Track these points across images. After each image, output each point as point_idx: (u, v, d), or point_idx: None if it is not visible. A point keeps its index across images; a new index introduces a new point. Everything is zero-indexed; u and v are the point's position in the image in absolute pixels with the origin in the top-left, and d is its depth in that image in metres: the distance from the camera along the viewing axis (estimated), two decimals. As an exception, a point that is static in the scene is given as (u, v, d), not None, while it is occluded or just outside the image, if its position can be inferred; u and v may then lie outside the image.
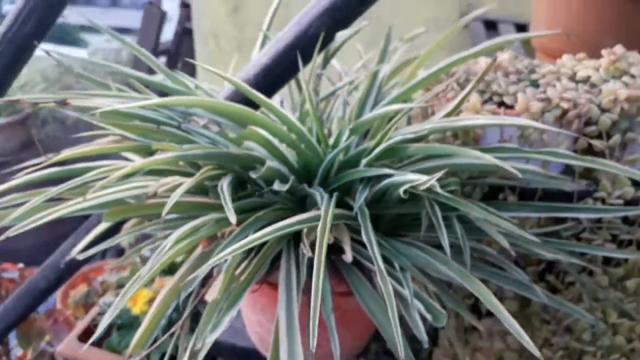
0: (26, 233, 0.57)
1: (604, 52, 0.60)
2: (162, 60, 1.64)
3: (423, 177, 0.46)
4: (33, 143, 1.86)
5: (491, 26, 1.21)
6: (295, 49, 0.60)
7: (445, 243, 0.51)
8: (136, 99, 0.60)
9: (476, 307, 0.66)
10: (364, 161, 0.58)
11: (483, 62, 0.63)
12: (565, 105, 0.53)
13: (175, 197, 0.50)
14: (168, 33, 1.63)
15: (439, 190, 0.45)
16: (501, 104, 0.58)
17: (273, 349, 0.52)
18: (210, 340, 0.50)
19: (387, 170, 0.55)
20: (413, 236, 0.61)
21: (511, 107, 0.56)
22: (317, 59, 0.61)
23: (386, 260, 0.55)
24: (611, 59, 0.58)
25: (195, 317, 0.68)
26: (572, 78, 0.60)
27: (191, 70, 1.80)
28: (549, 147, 0.55)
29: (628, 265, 0.58)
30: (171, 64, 1.68)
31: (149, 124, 0.57)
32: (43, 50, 0.66)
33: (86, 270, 1.28)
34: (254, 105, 0.59)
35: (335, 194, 0.56)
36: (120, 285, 1.02)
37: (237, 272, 0.55)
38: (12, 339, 1.04)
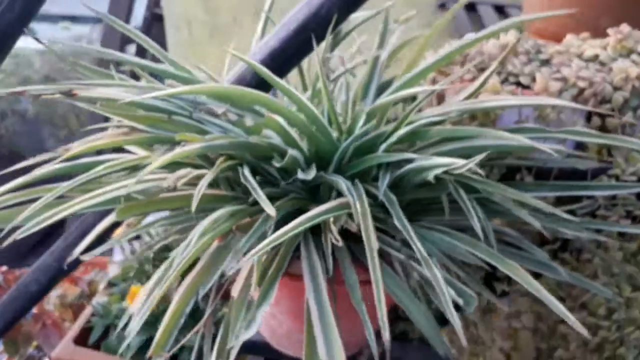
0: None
1: (610, 30, 0.61)
2: (131, 47, 1.58)
3: (458, 161, 0.46)
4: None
5: (471, 8, 1.22)
6: (305, 31, 0.58)
7: (477, 226, 0.50)
8: (144, 88, 0.57)
9: (490, 288, 0.67)
10: (382, 146, 0.57)
11: (491, 43, 0.63)
12: (581, 84, 0.54)
13: (200, 189, 0.48)
14: (136, 19, 1.57)
15: (480, 172, 0.44)
16: (517, 84, 0.58)
17: (308, 341, 0.51)
18: (244, 337, 0.49)
19: (409, 155, 0.54)
20: (429, 220, 0.61)
21: (527, 87, 0.57)
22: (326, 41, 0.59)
23: (409, 246, 0.55)
24: (618, 38, 0.59)
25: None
26: (580, 57, 0.60)
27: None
28: (566, 126, 0.56)
29: (641, 239, 0.60)
30: (141, 52, 1.63)
31: (159, 114, 0.55)
32: (32, 36, 0.62)
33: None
34: (266, 89, 0.58)
35: (355, 181, 0.55)
36: (112, 285, 0.99)
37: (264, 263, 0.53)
38: (-2, 344, 0.99)
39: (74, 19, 2.31)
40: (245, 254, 0.57)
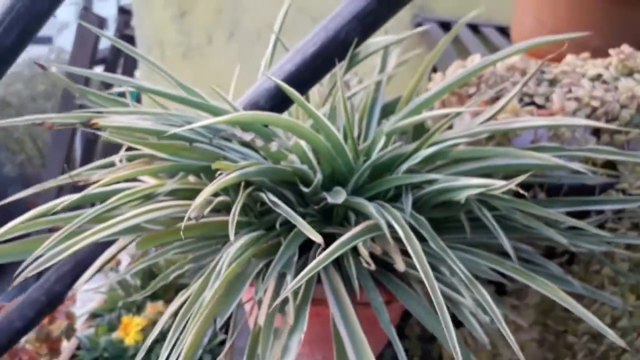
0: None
1: (611, 51, 0.64)
2: (99, 69, 1.54)
3: (496, 182, 0.47)
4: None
5: (446, 27, 1.25)
6: (323, 55, 0.58)
7: (506, 244, 0.51)
8: (157, 114, 0.56)
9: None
10: (403, 166, 0.57)
11: (499, 65, 0.65)
12: (595, 103, 0.56)
13: (235, 217, 0.47)
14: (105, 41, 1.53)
15: (523, 192, 0.45)
16: (531, 103, 0.59)
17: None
18: (282, 366, 0.48)
19: (433, 176, 0.55)
20: (446, 239, 0.62)
21: (542, 106, 0.58)
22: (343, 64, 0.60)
23: (433, 266, 0.55)
24: (620, 58, 0.62)
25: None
26: (584, 77, 0.63)
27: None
28: (580, 143, 0.58)
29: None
30: (110, 73, 1.58)
31: (180, 142, 0.53)
32: (38, 65, 0.60)
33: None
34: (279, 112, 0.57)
35: (383, 203, 0.55)
36: (95, 315, 0.95)
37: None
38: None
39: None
40: (263, 279, 0.56)
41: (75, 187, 1.67)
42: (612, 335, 0.45)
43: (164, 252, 0.60)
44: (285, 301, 0.52)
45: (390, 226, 0.55)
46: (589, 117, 0.57)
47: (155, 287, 0.58)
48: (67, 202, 0.50)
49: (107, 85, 1.68)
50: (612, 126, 0.55)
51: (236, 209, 0.48)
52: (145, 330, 0.81)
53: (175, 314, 0.57)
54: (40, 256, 0.52)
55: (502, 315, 0.51)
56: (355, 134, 0.68)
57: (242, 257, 0.53)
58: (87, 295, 1.17)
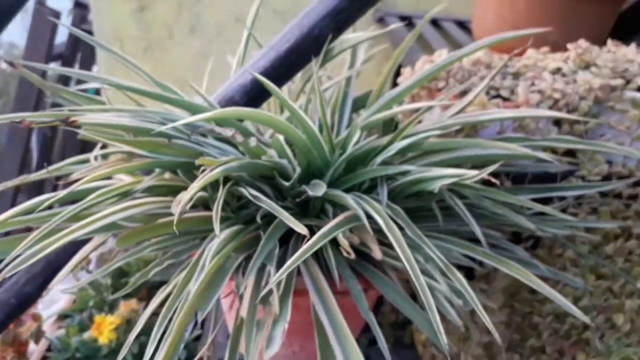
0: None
1: (570, 45, 0.67)
2: (56, 65, 1.49)
3: (468, 172, 0.49)
4: None
5: (407, 21, 1.27)
6: (297, 52, 0.59)
7: (477, 230, 0.54)
8: (133, 111, 0.55)
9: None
10: (378, 159, 0.59)
11: (465, 60, 0.67)
12: (556, 95, 0.59)
13: (218, 212, 0.48)
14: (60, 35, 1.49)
15: (495, 181, 0.47)
16: (497, 96, 0.62)
17: (322, 354, 0.52)
18: (267, 357, 0.49)
19: (407, 167, 0.57)
20: (420, 227, 0.64)
21: (507, 99, 0.61)
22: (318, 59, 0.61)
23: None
24: (578, 52, 0.65)
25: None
26: (545, 70, 0.66)
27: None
28: (543, 134, 0.61)
29: (604, 232, 0.66)
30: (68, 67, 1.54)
31: (159, 138, 0.54)
32: (7, 62, 0.59)
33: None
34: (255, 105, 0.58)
35: (361, 195, 0.57)
36: (64, 316, 0.93)
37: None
38: None
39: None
40: (245, 272, 0.57)
41: (33, 187, 1.63)
42: (577, 312, 0.48)
43: (141, 249, 0.60)
44: (267, 292, 0.53)
45: (368, 216, 0.57)
46: (551, 108, 0.60)
47: (136, 284, 0.58)
48: (52, 200, 0.49)
49: (64, 82, 1.64)
50: (573, 117, 0.59)
51: (219, 203, 0.49)
52: (119, 329, 0.80)
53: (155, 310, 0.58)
54: (18, 256, 0.51)
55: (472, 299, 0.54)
56: (336, 127, 0.70)
57: (224, 251, 0.54)
58: (49, 296, 1.15)
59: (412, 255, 0.46)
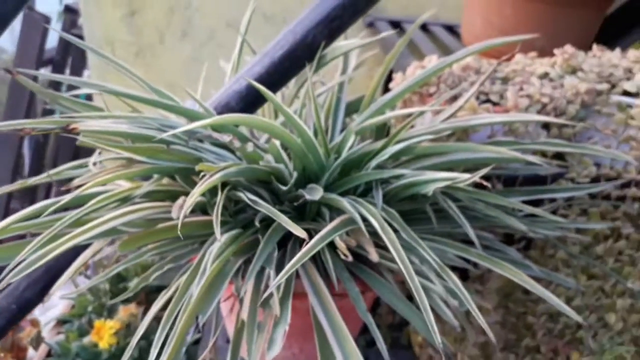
0: None
1: (556, 51, 0.69)
2: (47, 70, 1.49)
3: (461, 175, 0.50)
4: None
5: (396, 26, 1.29)
6: (291, 58, 0.61)
7: (471, 232, 0.55)
8: (131, 118, 0.56)
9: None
10: (372, 163, 0.60)
11: (455, 65, 0.68)
12: (545, 100, 0.61)
13: (218, 216, 0.49)
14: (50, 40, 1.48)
15: (486, 184, 0.49)
16: (487, 101, 0.64)
17: (322, 356, 0.53)
18: (268, 359, 0.50)
19: (401, 171, 0.58)
20: (414, 229, 0.65)
21: (497, 104, 0.63)
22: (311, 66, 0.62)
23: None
24: (565, 57, 0.67)
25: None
26: (532, 75, 0.68)
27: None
28: (532, 137, 0.62)
29: (594, 233, 0.68)
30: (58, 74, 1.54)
31: (157, 144, 0.54)
32: (7, 70, 0.59)
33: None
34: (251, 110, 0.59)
35: (356, 199, 0.58)
36: (63, 322, 0.93)
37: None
38: None
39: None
40: (244, 275, 0.58)
41: (26, 192, 1.62)
42: (571, 312, 0.49)
43: (141, 254, 0.61)
44: (268, 295, 0.54)
45: (364, 219, 0.58)
46: (539, 112, 0.62)
47: (137, 288, 0.58)
48: (56, 206, 0.50)
49: (55, 86, 1.64)
50: (561, 120, 0.60)
51: (219, 207, 0.49)
52: (119, 333, 0.81)
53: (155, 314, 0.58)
54: (21, 262, 0.52)
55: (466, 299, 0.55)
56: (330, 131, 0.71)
57: (224, 255, 0.55)
58: (48, 302, 1.15)
59: (406, 257, 0.47)
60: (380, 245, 0.60)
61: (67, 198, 0.50)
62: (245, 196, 0.55)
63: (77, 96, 0.62)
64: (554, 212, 0.66)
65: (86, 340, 0.84)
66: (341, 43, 0.62)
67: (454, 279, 0.51)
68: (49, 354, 0.88)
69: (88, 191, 0.56)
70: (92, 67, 1.42)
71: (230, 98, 0.63)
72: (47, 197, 1.70)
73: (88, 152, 0.69)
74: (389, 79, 0.76)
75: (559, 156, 0.66)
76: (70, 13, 1.54)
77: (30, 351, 0.93)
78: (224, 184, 0.56)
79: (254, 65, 0.62)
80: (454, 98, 0.64)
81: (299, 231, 0.46)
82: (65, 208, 0.57)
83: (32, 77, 0.61)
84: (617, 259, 0.68)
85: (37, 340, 0.84)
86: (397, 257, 0.47)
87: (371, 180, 0.60)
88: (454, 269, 0.65)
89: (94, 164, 0.60)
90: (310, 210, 0.64)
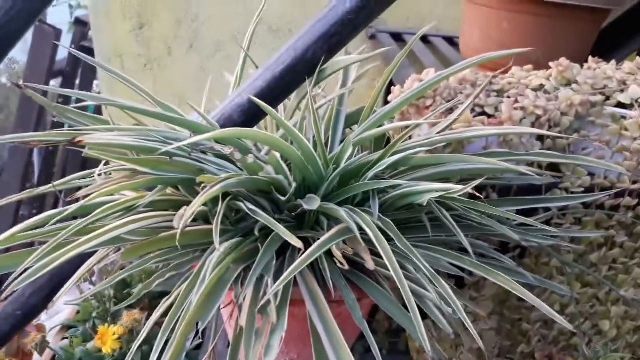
0: None
1: (552, 64, 0.70)
2: (57, 82, 1.53)
3: (455, 186, 0.52)
4: None
5: (397, 38, 1.31)
6: (292, 73, 0.63)
7: (465, 241, 0.57)
8: (135, 130, 0.58)
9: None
10: (370, 173, 0.62)
11: (451, 78, 0.70)
12: (539, 112, 0.62)
13: (218, 225, 0.51)
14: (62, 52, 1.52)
15: (479, 195, 0.50)
16: (482, 113, 0.65)
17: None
18: (266, 365, 0.51)
19: (398, 182, 0.60)
20: (410, 238, 0.67)
21: (492, 116, 0.64)
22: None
23: (399, 264, 0.60)
24: (559, 70, 0.68)
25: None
26: (528, 87, 0.69)
27: (89, 90, 1.70)
28: (527, 148, 0.64)
29: (589, 241, 0.69)
30: (68, 86, 1.57)
31: (161, 156, 0.56)
32: (13, 84, 0.62)
33: None
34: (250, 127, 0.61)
35: (353, 209, 0.59)
36: (68, 327, 0.95)
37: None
38: None
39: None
40: (244, 283, 0.60)
41: (35, 199, 1.65)
42: (562, 320, 0.51)
43: (144, 262, 0.63)
44: (266, 302, 0.56)
45: (360, 229, 0.60)
46: (533, 124, 0.63)
47: (140, 295, 0.60)
48: (62, 215, 0.52)
49: (65, 98, 1.67)
50: (554, 133, 0.62)
51: (218, 217, 0.51)
52: (122, 339, 0.83)
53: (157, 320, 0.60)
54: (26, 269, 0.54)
55: (463, 306, 0.56)
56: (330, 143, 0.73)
57: (224, 263, 0.56)
58: (54, 308, 1.17)
59: (399, 265, 0.48)
60: (376, 253, 0.62)
61: (72, 208, 0.52)
62: (245, 206, 0.56)
63: (86, 108, 0.65)
64: (548, 221, 0.68)
65: (90, 345, 0.86)
66: (341, 58, 0.64)
67: (445, 287, 0.52)
68: (53, 359, 0.90)
69: (94, 201, 0.58)
70: (101, 79, 1.45)
71: (233, 111, 0.65)
72: (56, 203, 1.73)
73: (96, 160, 0.72)
74: (389, 89, 0.78)
75: (553, 166, 0.68)
76: (81, 25, 1.58)
77: (35, 356, 0.95)
78: (225, 194, 0.58)
79: (256, 79, 0.64)
80: (450, 110, 0.66)
81: (294, 241, 0.48)
82: (73, 217, 0.60)
83: (42, 91, 0.63)
84: (611, 267, 0.69)
85: (42, 346, 0.86)
86: (389, 265, 0.48)
87: (369, 190, 0.62)
88: (450, 276, 0.67)
89: (99, 174, 0.62)
90: (309, 219, 0.66)
